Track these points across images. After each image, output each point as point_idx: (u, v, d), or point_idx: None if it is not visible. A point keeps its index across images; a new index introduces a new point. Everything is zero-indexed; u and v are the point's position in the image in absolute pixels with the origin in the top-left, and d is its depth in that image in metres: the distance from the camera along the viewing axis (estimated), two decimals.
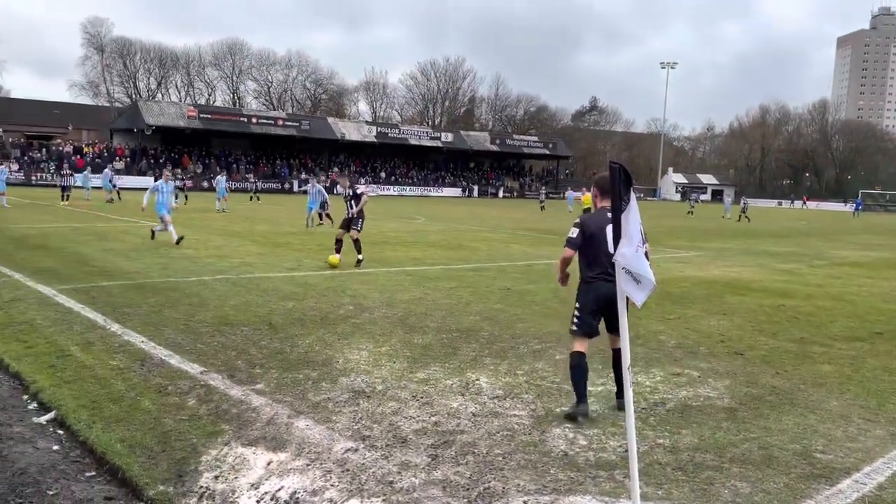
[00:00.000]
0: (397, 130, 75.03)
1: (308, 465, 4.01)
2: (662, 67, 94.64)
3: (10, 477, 3.93)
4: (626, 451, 4.26)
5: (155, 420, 4.68)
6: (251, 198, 41.97)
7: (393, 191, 68.05)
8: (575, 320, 5.13)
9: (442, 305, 9.03)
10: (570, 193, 48.91)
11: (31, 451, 4.34)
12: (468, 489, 3.75)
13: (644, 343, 7.23)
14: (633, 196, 2.78)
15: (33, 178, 51.44)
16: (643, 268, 2.83)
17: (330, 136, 68.32)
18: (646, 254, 2.86)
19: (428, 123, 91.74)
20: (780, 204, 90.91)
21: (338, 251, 12.64)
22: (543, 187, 59.38)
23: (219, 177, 32.86)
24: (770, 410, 5.27)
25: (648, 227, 3.14)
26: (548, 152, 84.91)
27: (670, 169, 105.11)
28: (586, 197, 28.09)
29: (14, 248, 13.25)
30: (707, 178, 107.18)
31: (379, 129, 73.67)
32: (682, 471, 4.07)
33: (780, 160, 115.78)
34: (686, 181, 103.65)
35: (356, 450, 4.19)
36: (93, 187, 36.19)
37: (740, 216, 41.39)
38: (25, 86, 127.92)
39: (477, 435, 4.52)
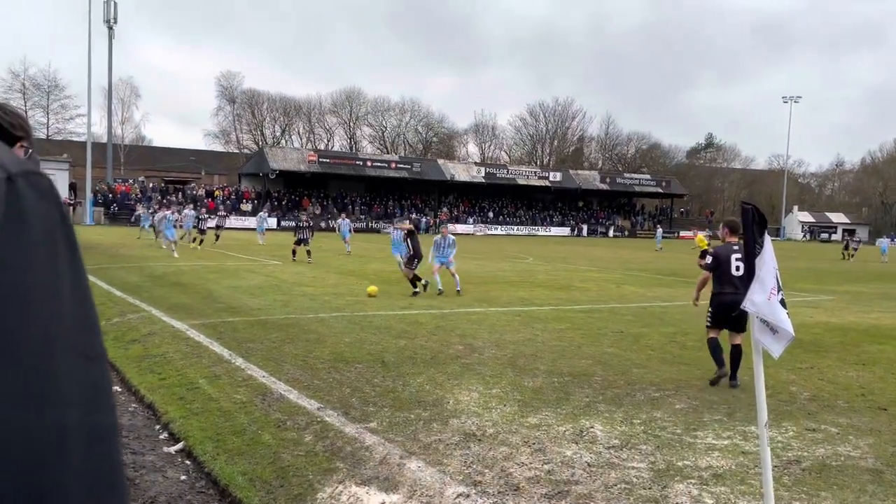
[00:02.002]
0: (506, 170, 75.54)
1: None
2: (785, 102, 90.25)
3: None
4: None
5: (274, 454, 4.83)
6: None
7: (500, 230, 68.29)
8: (708, 318, 7.49)
9: (552, 347, 8.85)
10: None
11: (161, 480, 4.58)
12: None
13: (774, 394, 6.73)
14: (767, 239, 2.61)
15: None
16: (779, 317, 2.63)
17: (440, 177, 69.79)
18: (782, 301, 2.66)
19: (536, 163, 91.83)
20: None
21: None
22: (658, 227, 57.41)
23: (339, 220, 32.56)
24: None
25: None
26: (661, 190, 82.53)
27: (795, 207, 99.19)
28: (699, 237, 27.04)
29: (153, 285, 14.31)
30: (837, 217, 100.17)
31: (487, 169, 74.48)
32: None
33: None
34: (813, 220, 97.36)
35: (468, 495, 4.12)
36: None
37: (843, 254, 40.33)
38: (166, 134, 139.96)
39: (593, 486, 4.34)
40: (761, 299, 2.60)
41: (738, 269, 7.11)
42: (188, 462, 4.97)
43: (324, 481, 4.38)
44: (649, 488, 4.34)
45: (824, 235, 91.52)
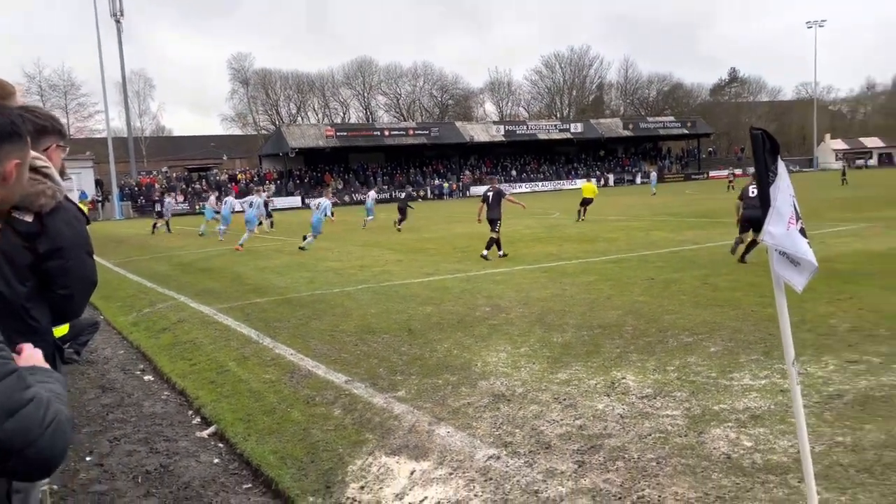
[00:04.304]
0: (525, 127, 74.49)
1: (451, 474, 3.93)
2: (809, 27, 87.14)
3: (175, 491, 4.18)
4: (799, 451, 3.81)
5: (304, 431, 4.81)
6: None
7: (525, 188, 67.58)
8: (738, 227, 11.39)
9: (581, 301, 8.71)
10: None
11: (194, 465, 4.60)
12: (620, 498, 3.49)
13: (812, 329, 6.53)
14: (781, 166, 2.41)
15: (196, 206, 56.25)
16: (800, 248, 2.45)
17: (459, 140, 69.14)
18: (802, 231, 2.47)
19: (556, 116, 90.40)
20: None
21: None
22: (653, 171, 55.03)
23: (371, 192, 29.88)
24: None
25: (804, 199, 2.75)
26: (686, 132, 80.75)
27: (827, 136, 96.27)
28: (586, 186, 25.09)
29: (181, 273, 14.45)
30: (872, 142, 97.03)
31: (507, 127, 73.53)
32: (868, 472, 3.56)
33: None
34: (847, 147, 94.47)
35: (499, 457, 4.05)
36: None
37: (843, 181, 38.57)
38: (185, 123, 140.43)
39: (626, 438, 4.23)
40: (780, 230, 2.42)
41: (753, 193, 10.67)
42: (220, 445, 4.99)
43: (354, 454, 4.35)
44: (685, 435, 4.22)
45: (860, 162, 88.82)
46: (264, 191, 24.21)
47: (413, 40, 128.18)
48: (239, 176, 63.58)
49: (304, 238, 17.84)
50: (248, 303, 10.07)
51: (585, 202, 24.15)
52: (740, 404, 4.69)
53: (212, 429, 5.25)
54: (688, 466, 3.79)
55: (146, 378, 6.98)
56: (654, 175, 48.40)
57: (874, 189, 34.34)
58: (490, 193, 14.25)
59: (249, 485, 4.30)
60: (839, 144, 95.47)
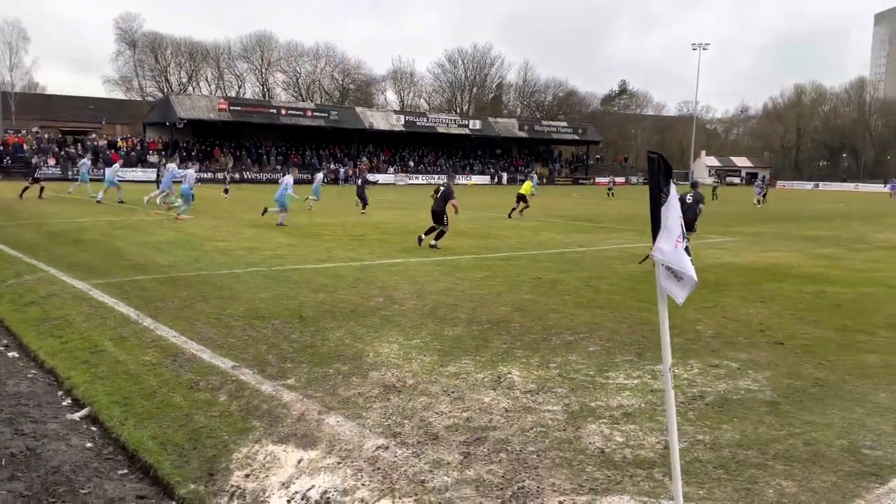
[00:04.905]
0: (425, 119, 74.76)
1: (339, 463, 3.96)
2: (694, 49, 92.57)
3: (44, 476, 3.95)
4: (665, 447, 4.14)
5: (186, 416, 4.67)
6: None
7: (422, 179, 67.93)
8: None
9: (472, 296, 8.93)
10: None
11: (64, 449, 4.36)
12: (502, 488, 3.66)
13: (681, 333, 7.05)
14: (672, 189, 2.64)
15: (69, 172, 52.42)
16: (685, 264, 2.68)
17: (358, 125, 68.38)
18: (686, 249, 2.71)
19: (456, 111, 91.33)
20: (816, 186, 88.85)
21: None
22: (533, 172, 56.85)
23: (318, 174, 27.95)
24: (814, 403, 5.08)
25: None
26: (577, 137, 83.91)
27: (703, 152, 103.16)
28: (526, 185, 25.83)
29: (51, 243, 13.48)
30: (741, 161, 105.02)
31: (407, 117, 73.50)
32: (724, 469, 3.93)
33: (816, 141, 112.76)
34: (719, 164, 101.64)
35: (387, 447, 4.12)
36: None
37: (759, 200, 38.08)
38: (62, 82, 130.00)
39: (510, 431, 4.43)
40: (669, 247, 2.65)
41: (689, 199, 13.31)
42: (94, 429, 4.75)
43: (239, 441, 4.28)
44: (564, 430, 4.47)
45: (734, 180, 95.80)
46: (192, 164, 23.79)
47: (317, 18, 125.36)
48: (119, 143, 59.75)
49: (265, 211, 19.34)
50: (127, 280, 9.57)
51: (521, 198, 24.49)
52: (614, 402, 5.01)
53: (85, 411, 4.98)
54: (565, 459, 4.02)
55: (10, 355, 6.50)
56: (534, 178, 49.90)
57: (739, 205, 37.22)
58: (442, 189, 15.07)
59: (125, 471, 4.13)
60: (713, 161, 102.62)
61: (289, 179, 19.05)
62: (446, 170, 73.12)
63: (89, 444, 4.48)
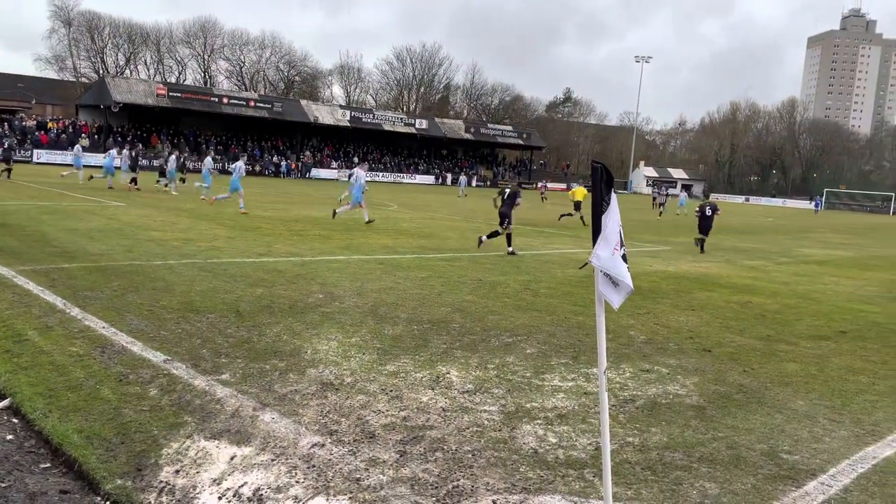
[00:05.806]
0: (371, 115, 74.34)
1: (273, 460, 3.91)
2: (637, 61, 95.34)
3: None
4: (596, 449, 4.25)
5: (114, 410, 4.53)
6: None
7: (366, 176, 67.51)
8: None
9: (413, 296, 8.94)
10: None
11: None
12: (437, 487, 3.69)
13: (614, 338, 7.24)
14: (614, 197, 2.73)
15: None
16: (621, 271, 2.78)
17: (303, 118, 67.45)
18: (623, 256, 2.80)
19: (403, 110, 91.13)
20: (747, 200, 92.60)
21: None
22: (463, 174, 58.55)
23: (238, 163, 23.54)
24: (737, 409, 5.30)
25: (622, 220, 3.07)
26: (522, 142, 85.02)
27: (642, 163, 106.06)
28: (577, 190, 26.46)
29: None
30: (677, 173, 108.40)
31: (353, 113, 72.93)
32: (651, 470, 4.06)
33: (748, 157, 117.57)
34: (657, 175, 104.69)
35: (323, 445, 4.10)
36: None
37: (658, 208, 39.37)
38: None
39: (446, 431, 4.46)
40: (606, 254, 2.73)
41: (709, 212, 17.38)
42: (15, 420, 4.55)
43: (170, 436, 4.18)
44: (499, 430, 4.54)
45: (672, 190, 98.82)
46: (242, 156, 24.97)
47: (262, 5, 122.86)
48: (50, 124, 57.23)
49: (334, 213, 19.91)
50: (53, 267, 9.19)
51: (577, 205, 24.83)
52: (549, 403, 5.12)
53: (5, 402, 4.76)
54: (500, 459, 4.08)
55: None
56: (463, 179, 50.40)
57: (676, 216, 38.41)
58: (508, 191, 15.39)
59: (48, 464, 3.98)
60: (651, 172, 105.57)
61: (361, 174, 20.11)
62: (391, 167, 72.91)
63: (10, 437, 4.29)
